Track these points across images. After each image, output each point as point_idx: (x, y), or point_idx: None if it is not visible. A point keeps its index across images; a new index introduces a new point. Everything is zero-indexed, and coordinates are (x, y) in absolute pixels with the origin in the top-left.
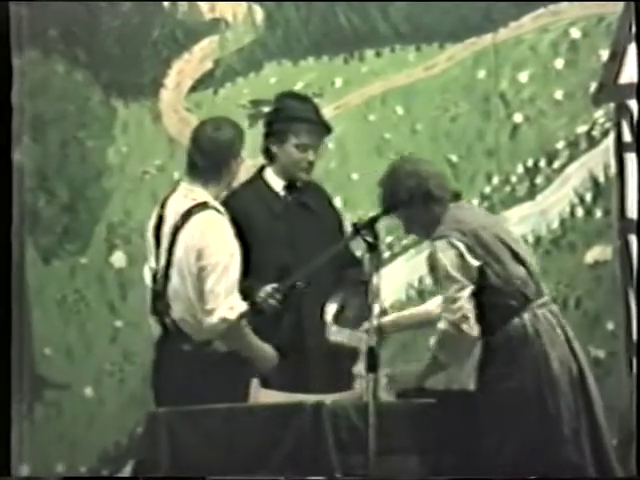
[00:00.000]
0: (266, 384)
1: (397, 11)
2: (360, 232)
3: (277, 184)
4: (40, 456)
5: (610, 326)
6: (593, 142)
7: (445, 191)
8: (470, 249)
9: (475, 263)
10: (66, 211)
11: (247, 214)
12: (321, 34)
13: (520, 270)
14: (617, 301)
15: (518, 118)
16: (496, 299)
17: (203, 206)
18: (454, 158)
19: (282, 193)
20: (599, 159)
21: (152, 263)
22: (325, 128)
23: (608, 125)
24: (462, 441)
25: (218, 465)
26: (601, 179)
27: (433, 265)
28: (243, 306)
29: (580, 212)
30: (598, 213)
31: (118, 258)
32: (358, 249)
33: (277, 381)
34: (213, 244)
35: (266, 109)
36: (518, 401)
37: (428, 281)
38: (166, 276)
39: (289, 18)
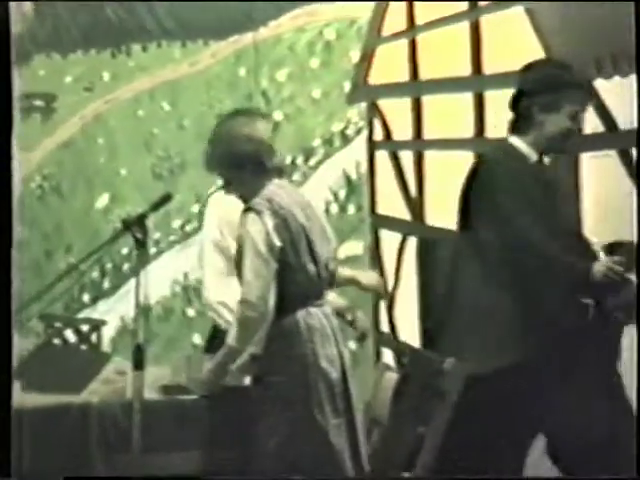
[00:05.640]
0: (28, 387)
1: (161, 6)
2: (130, 228)
3: (531, 155)
4: None
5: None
6: (347, 140)
7: (275, 164)
8: (276, 230)
9: (278, 244)
10: None
11: (507, 173)
12: (89, 27)
13: (311, 267)
14: (366, 295)
15: (278, 116)
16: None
17: None
18: None
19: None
20: (352, 157)
21: None
22: (589, 94)
23: (361, 124)
24: (231, 435)
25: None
26: (354, 176)
27: (242, 236)
28: None
29: (335, 208)
30: (351, 209)
31: None
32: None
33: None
34: None
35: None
36: (285, 395)
37: (192, 277)
38: None
39: (58, 9)
